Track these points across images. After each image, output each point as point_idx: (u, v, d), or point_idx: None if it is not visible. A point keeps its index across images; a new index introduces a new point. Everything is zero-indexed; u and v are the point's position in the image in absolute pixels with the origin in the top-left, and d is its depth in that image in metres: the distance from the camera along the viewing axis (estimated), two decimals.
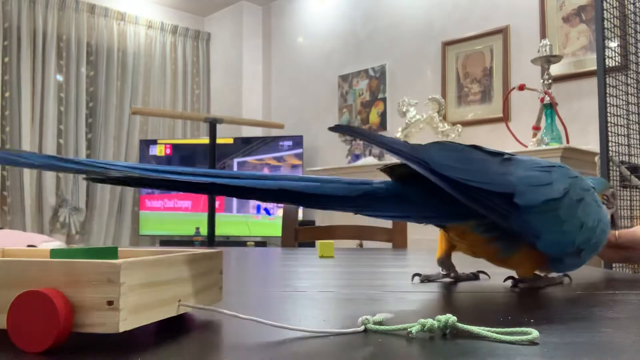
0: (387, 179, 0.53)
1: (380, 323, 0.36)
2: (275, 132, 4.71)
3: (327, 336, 0.34)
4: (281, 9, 4.76)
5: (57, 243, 2.65)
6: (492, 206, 0.48)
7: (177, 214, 4.35)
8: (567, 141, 2.72)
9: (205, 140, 2.74)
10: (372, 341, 0.33)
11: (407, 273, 0.73)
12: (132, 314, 0.30)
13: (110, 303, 0.29)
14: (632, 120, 2.23)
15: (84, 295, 0.29)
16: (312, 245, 3.17)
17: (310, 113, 4.45)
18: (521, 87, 2.82)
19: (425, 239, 2.88)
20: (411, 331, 0.34)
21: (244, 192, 0.47)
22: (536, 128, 2.80)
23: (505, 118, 3.07)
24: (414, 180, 0.50)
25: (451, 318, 0.34)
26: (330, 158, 4.24)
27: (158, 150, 4.41)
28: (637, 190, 2.22)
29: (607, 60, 2.11)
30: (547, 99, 2.72)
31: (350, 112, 4.10)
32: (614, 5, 2.22)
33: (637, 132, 2.25)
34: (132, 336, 0.34)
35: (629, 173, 2.11)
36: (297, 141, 4.16)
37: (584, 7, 2.91)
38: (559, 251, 0.53)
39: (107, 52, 4.46)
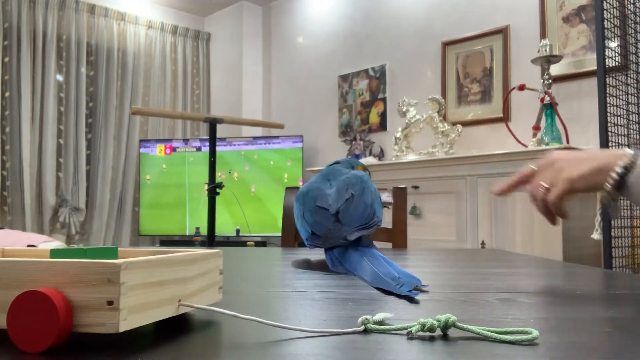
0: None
1: (380, 323, 0.36)
2: (275, 132, 4.71)
3: (327, 336, 0.34)
4: (281, 9, 4.76)
5: (57, 243, 2.65)
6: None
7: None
8: (567, 141, 2.72)
9: None
10: (372, 341, 0.33)
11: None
12: (132, 314, 0.30)
13: (110, 303, 0.29)
14: (632, 120, 2.23)
15: (84, 295, 0.29)
16: None
17: (310, 113, 4.45)
18: (521, 87, 2.82)
19: (425, 239, 2.89)
20: (411, 331, 0.34)
21: None
22: (536, 128, 2.80)
23: (505, 118, 3.07)
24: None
25: (451, 318, 0.34)
26: (330, 158, 4.24)
27: (158, 150, 4.41)
28: None
29: (607, 60, 2.11)
30: (547, 99, 2.72)
31: (350, 112, 4.10)
32: (614, 5, 2.23)
33: (637, 132, 2.25)
34: (132, 336, 0.34)
35: None
36: (297, 141, 4.16)
37: (584, 7, 2.91)
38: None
39: (107, 52, 4.46)
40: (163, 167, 4.38)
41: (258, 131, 4.78)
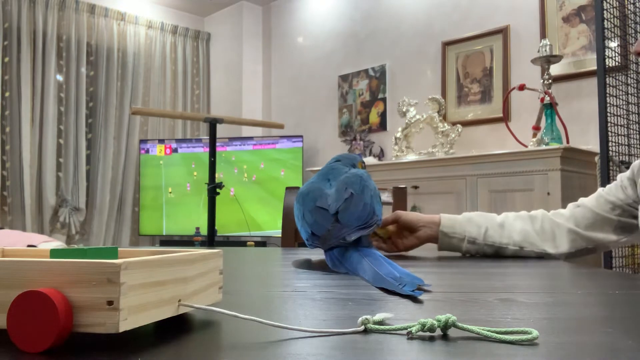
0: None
1: (380, 323, 0.36)
2: (275, 132, 4.71)
3: (327, 336, 0.34)
4: (281, 9, 4.76)
5: (57, 243, 2.64)
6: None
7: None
8: (567, 141, 2.72)
9: None
10: (372, 341, 0.33)
11: None
12: (132, 314, 0.30)
13: (110, 303, 0.29)
14: (632, 120, 2.23)
15: (84, 295, 0.29)
16: None
17: (310, 113, 4.45)
18: (521, 87, 2.82)
19: None
20: (411, 331, 0.34)
21: None
22: (536, 128, 2.80)
23: (505, 118, 3.07)
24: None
25: (451, 318, 0.34)
26: (330, 158, 4.24)
27: (158, 150, 4.41)
28: None
29: (607, 60, 2.11)
30: (547, 99, 2.72)
31: (350, 112, 4.10)
32: (614, 5, 2.23)
33: (637, 132, 2.25)
34: (132, 336, 0.34)
35: None
36: (297, 141, 4.16)
37: (584, 7, 2.91)
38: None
39: (107, 52, 4.46)
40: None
41: (258, 131, 4.78)
